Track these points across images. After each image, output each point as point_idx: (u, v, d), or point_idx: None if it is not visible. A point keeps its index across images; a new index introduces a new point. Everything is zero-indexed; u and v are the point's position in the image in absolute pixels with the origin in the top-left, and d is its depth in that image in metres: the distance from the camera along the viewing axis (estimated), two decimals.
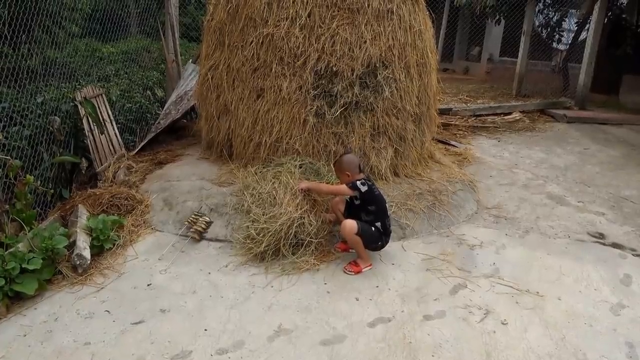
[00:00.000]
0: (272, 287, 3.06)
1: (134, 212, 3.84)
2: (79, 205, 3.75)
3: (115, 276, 3.13)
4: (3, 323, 2.65)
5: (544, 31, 12.02)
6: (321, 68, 4.08)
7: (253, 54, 4.22)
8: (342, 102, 4.12)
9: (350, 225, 3.16)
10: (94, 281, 3.05)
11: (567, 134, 7.64)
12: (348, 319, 2.77)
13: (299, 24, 4.07)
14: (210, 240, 3.61)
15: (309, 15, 4.08)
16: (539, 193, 4.93)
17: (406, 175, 4.50)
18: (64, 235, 3.18)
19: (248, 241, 3.40)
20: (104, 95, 4.92)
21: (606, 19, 9.77)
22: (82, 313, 2.75)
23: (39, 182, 3.68)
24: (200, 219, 3.67)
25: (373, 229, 3.25)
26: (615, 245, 3.86)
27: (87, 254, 3.16)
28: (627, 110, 9.42)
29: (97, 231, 3.35)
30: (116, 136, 4.95)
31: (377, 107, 4.23)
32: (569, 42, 11.52)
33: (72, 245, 3.18)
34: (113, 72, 6.12)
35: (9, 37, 3.84)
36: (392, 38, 4.24)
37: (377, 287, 3.12)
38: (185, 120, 6.10)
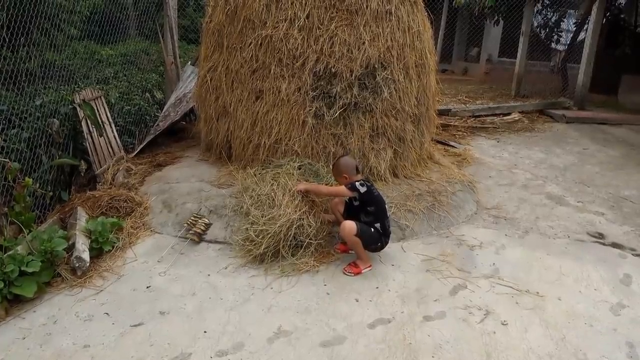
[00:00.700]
0: (271, 288, 3.06)
1: (133, 214, 3.84)
2: (78, 207, 3.74)
3: (115, 278, 3.12)
4: (2, 326, 2.64)
5: (543, 32, 12.05)
6: (320, 69, 4.08)
7: (252, 56, 4.23)
8: (341, 103, 4.12)
9: (350, 226, 3.16)
10: (93, 283, 3.05)
11: (566, 134, 7.64)
12: (348, 320, 2.77)
13: (298, 26, 4.07)
14: (210, 242, 3.60)
15: (307, 17, 4.08)
16: (538, 193, 4.93)
17: (405, 176, 4.50)
18: (63, 237, 3.17)
19: (247, 243, 3.40)
20: (102, 97, 4.92)
21: (605, 19, 9.80)
22: (81, 315, 2.74)
23: (37, 184, 3.67)
24: (200, 220, 3.67)
25: (372, 229, 3.25)
26: (615, 245, 3.85)
27: (86, 256, 3.16)
28: (626, 110, 9.43)
29: (96, 233, 3.34)
30: (115, 138, 4.95)
31: (376, 108, 4.22)
32: (568, 42, 11.54)
33: (71, 248, 3.17)
34: (112, 74, 6.13)
35: (7, 40, 3.84)
36: (391, 39, 4.24)
37: (377, 288, 3.11)
38: (184, 122, 6.09)
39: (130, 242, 3.53)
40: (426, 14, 4.73)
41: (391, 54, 4.25)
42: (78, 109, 4.42)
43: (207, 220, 3.69)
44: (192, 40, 9.18)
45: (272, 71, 4.15)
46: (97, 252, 3.32)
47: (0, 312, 2.69)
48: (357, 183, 3.25)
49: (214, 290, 3.02)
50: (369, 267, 3.30)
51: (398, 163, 4.48)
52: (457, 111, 8.15)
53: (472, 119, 8.04)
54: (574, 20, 11.51)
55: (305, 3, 4.07)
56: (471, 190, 4.68)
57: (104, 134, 4.69)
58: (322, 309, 2.86)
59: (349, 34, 4.10)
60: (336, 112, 4.12)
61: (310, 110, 4.12)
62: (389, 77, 4.24)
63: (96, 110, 4.62)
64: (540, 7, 11.43)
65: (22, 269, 2.83)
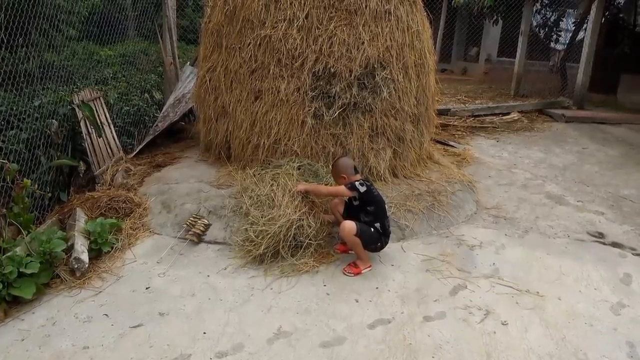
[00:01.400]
0: (271, 289, 3.05)
1: (132, 215, 3.83)
2: (77, 208, 3.74)
3: (114, 279, 3.11)
4: (1, 328, 2.63)
5: (542, 31, 12.04)
6: (319, 69, 4.08)
7: (251, 56, 4.22)
8: (340, 103, 4.11)
9: (350, 226, 3.16)
10: (92, 285, 3.04)
11: (565, 134, 7.64)
12: (348, 320, 2.76)
13: (297, 26, 4.07)
14: (209, 242, 3.59)
15: (306, 17, 4.08)
16: (538, 193, 4.93)
17: (405, 176, 4.49)
18: (62, 238, 3.16)
19: (247, 243, 3.39)
20: (101, 98, 4.91)
21: (604, 19, 9.79)
22: (81, 317, 2.73)
23: (36, 185, 3.66)
24: (199, 221, 3.66)
25: (372, 229, 3.25)
26: (614, 245, 3.85)
27: (85, 257, 3.15)
28: (626, 110, 9.43)
29: (95, 234, 3.34)
30: (114, 139, 4.94)
31: (376, 108, 4.22)
32: (567, 41, 11.54)
33: (70, 249, 3.17)
34: (111, 75, 6.12)
35: (5, 41, 3.83)
36: (390, 39, 4.23)
37: (377, 288, 3.11)
38: (183, 123, 6.09)
39: (130, 243, 3.52)
40: (425, 13, 4.73)
41: (390, 53, 4.24)
42: (77, 109, 4.41)
43: (206, 220, 3.69)
44: (191, 41, 9.18)
45: (271, 71, 4.15)
46: (96, 253, 3.31)
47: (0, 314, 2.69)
48: (356, 183, 3.24)
49: (213, 291, 3.01)
50: (369, 267, 3.30)
51: (397, 163, 4.48)
52: (456, 111, 8.15)
53: (471, 119, 8.04)
54: (573, 20, 11.52)
55: (304, 3, 4.06)
56: (471, 190, 4.67)
57: (103, 135, 4.68)
58: (322, 310, 2.86)
59: (348, 34, 4.10)
60: (335, 112, 4.12)
61: (309, 110, 4.12)
62: (388, 76, 4.23)
63: (95, 111, 4.60)
64: (539, 7, 11.43)
65: (21, 270, 2.82)
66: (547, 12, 11.78)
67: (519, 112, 8.55)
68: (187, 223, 3.67)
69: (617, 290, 3.18)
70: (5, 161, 3.41)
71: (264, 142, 4.23)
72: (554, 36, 11.92)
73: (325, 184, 3.81)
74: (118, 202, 3.90)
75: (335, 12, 4.11)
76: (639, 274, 3.39)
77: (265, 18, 4.13)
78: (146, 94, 6.36)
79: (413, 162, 4.64)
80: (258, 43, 4.17)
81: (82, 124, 4.42)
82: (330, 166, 3.69)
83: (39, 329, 2.62)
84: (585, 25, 9.77)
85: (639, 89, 9.49)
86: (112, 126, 4.96)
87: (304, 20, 4.07)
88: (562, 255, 3.63)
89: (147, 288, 3.03)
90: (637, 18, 11.21)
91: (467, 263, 3.46)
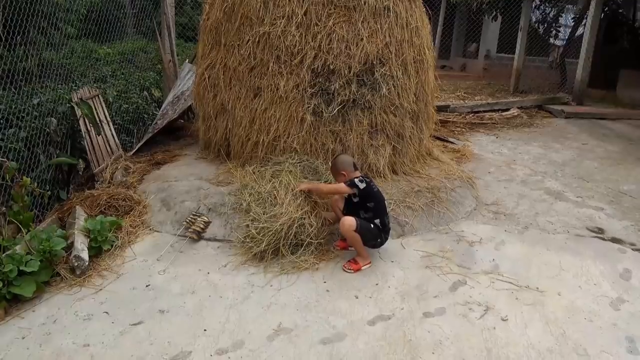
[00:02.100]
0: (271, 286, 3.05)
1: (131, 213, 3.83)
2: (77, 206, 3.74)
3: (114, 277, 3.11)
4: (1, 326, 2.63)
5: (541, 27, 12.03)
6: (318, 66, 4.07)
7: (250, 53, 4.21)
8: (339, 100, 4.11)
9: (350, 222, 3.16)
10: (93, 283, 3.04)
11: (565, 130, 7.64)
12: (348, 317, 2.77)
13: (296, 22, 4.06)
14: (209, 240, 3.59)
15: (305, 13, 4.07)
16: (537, 189, 4.93)
17: (404, 173, 4.49)
18: (62, 237, 3.16)
19: (248, 240, 3.39)
20: (100, 96, 4.91)
21: (603, 14, 9.78)
22: (81, 315, 2.73)
23: (35, 184, 3.66)
24: (199, 219, 3.66)
25: (372, 226, 3.25)
26: (614, 240, 3.85)
27: (85, 255, 3.15)
28: (625, 105, 9.42)
29: (95, 232, 3.33)
30: (113, 137, 4.93)
31: (375, 104, 4.21)
32: (566, 37, 11.53)
33: (70, 247, 3.17)
34: (110, 73, 6.11)
35: (4, 39, 3.83)
36: (389, 35, 4.22)
37: (377, 284, 3.11)
38: (182, 121, 6.08)
39: (129, 241, 3.52)
40: (424, 9, 4.72)
41: (389, 50, 4.24)
42: (76, 107, 4.41)
43: (206, 218, 3.69)
44: (190, 38, 9.17)
45: (270, 68, 4.14)
46: (96, 251, 3.31)
47: (0, 312, 2.69)
48: (356, 179, 3.24)
49: (213, 289, 3.01)
50: (369, 263, 3.30)
51: (397, 160, 4.48)
52: (455, 107, 8.15)
53: (470, 115, 8.04)
54: (572, 15, 11.51)
55: (303, 0, 4.05)
56: (470, 186, 4.67)
57: (102, 133, 4.67)
58: (322, 306, 2.86)
59: (347, 31, 4.09)
60: (335, 109, 4.11)
61: (308, 107, 4.11)
62: (388, 73, 4.23)
63: (94, 109, 4.60)
64: (538, 2, 11.41)
65: (21, 268, 2.82)
66: (546, 8, 11.77)
67: (518, 108, 8.56)
68: (187, 220, 3.67)
69: (617, 286, 3.18)
70: (5, 159, 3.41)
71: (263, 139, 4.22)
72: (553, 32, 11.91)
73: (326, 182, 3.81)
74: (117, 200, 3.90)
75: (334, 9, 4.10)
76: (638, 269, 3.39)
77: (264, 15, 4.12)
78: (145, 92, 6.35)
79: (412, 159, 4.64)
80: (257, 40, 4.16)
81: (81, 122, 4.41)
82: (330, 163, 3.69)
83: (40, 327, 2.62)
84: (584, 21, 9.77)
85: (639, 84, 9.48)
86: (111, 124, 4.96)
87: (302, 17, 4.06)
88: (562, 251, 3.63)
89: (147, 286, 3.03)
90: (637, 13, 11.20)
91: (466, 259, 3.46)
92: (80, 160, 4.41)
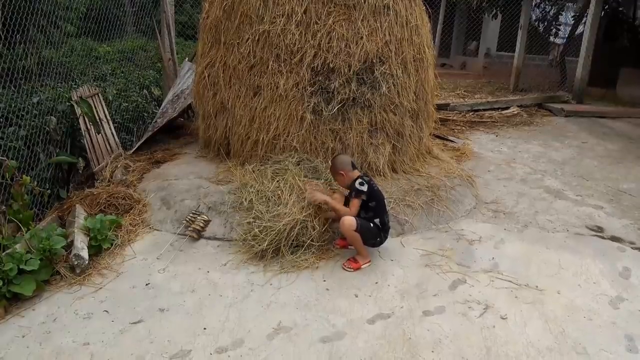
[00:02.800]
0: (271, 285, 3.05)
1: (131, 211, 3.83)
2: (77, 205, 3.74)
3: (114, 276, 3.12)
4: (1, 325, 2.63)
5: (541, 25, 12.02)
6: (318, 65, 4.07)
7: (249, 52, 4.21)
8: (339, 98, 4.11)
9: (350, 221, 3.16)
10: (93, 281, 3.04)
11: (565, 128, 7.64)
12: (347, 315, 2.77)
13: (295, 21, 4.05)
14: (209, 238, 3.60)
15: (304, 12, 4.06)
16: (537, 187, 4.93)
17: (404, 171, 4.49)
18: (62, 235, 3.16)
19: (250, 238, 3.38)
20: (100, 94, 4.90)
21: (603, 12, 9.77)
22: (81, 313, 2.74)
23: (35, 182, 3.66)
24: (199, 217, 3.66)
25: (372, 225, 3.25)
26: (614, 239, 3.86)
27: (85, 254, 3.15)
28: (625, 104, 9.42)
29: (95, 231, 3.33)
30: (113, 136, 4.93)
31: (375, 103, 4.21)
32: (566, 35, 11.52)
33: (70, 246, 3.17)
34: (109, 71, 6.11)
35: (3, 37, 3.82)
36: (389, 34, 4.22)
37: (377, 283, 3.11)
38: (182, 119, 6.08)
39: (129, 240, 3.52)
40: (424, 7, 4.72)
41: (389, 48, 4.23)
42: (75, 106, 4.41)
43: (206, 217, 3.69)
44: (190, 37, 9.16)
45: (269, 67, 4.14)
46: (96, 250, 3.31)
47: (0, 311, 2.69)
48: (357, 184, 3.22)
49: (213, 287, 3.02)
50: (368, 262, 3.30)
51: (397, 158, 4.47)
52: (455, 106, 8.15)
53: (470, 114, 8.03)
54: (572, 14, 11.49)
55: None
56: (470, 184, 4.67)
57: (102, 132, 4.67)
58: (321, 305, 2.86)
59: (346, 29, 4.08)
60: (334, 108, 4.11)
61: (308, 105, 4.11)
62: (387, 72, 4.23)
63: (94, 108, 4.60)
64: (538, 1, 11.40)
65: (21, 267, 2.82)
66: (547, 6, 11.75)
67: (518, 106, 8.55)
68: (187, 219, 3.67)
69: (616, 284, 3.19)
70: (4, 158, 3.41)
71: (263, 138, 4.22)
72: (553, 30, 11.89)
73: (326, 181, 3.81)
74: (117, 199, 3.90)
75: (334, 7, 4.10)
76: (638, 268, 3.40)
77: (264, 13, 4.11)
78: (145, 91, 6.35)
79: (412, 157, 4.64)
80: (256, 38, 4.16)
81: (80, 120, 4.41)
82: (330, 162, 3.68)
83: (40, 326, 2.62)
84: (584, 19, 9.75)
85: (639, 82, 9.47)
86: (110, 123, 4.96)
87: (302, 15, 4.06)
88: (561, 250, 3.63)
89: (147, 284, 3.04)
90: (637, 12, 11.18)
91: (466, 258, 3.46)
92: (80, 158, 4.41)
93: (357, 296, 2.96)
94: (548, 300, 2.97)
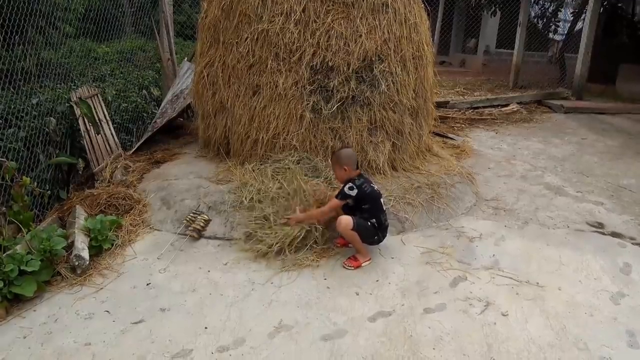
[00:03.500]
0: (271, 283, 3.06)
1: (132, 211, 3.83)
2: (77, 206, 3.74)
3: (115, 276, 3.12)
4: (2, 325, 2.64)
5: (540, 22, 12.02)
6: (317, 63, 4.07)
7: (248, 51, 4.21)
8: (338, 97, 4.11)
9: (346, 221, 3.15)
10: (93, 282, 3.04)
11: (564, 125, 7.63)
12: (348, 313, 2.77)
13: (294, 19, 4.05)
14: (209, 238, 3.60)
15: (303, 10, 4.06)
16: (537, 184, 4.93)
17: (404, 169, 4.49)
18: (62, 236, 3.17)
19: (260, 235, 3.39)
20: (99, 95, 4.90)
21: (602, 9, 9.76)
22: (82, 314, 2.74)
23: (35, 183, 3.67)
24: (199, 217, 3.66)
25: (369, 223, 3.24)
26: (614, 235, 3.85)
27: (85, 254, 3.15)
28: (624, 100, 9.41)
29: (95, 232, 3.34)
30: (112, 136, 4.93)
31: (374, 101, 4.21)
32: (565, 32, 11.51)
33: (70, 246, 3.17)
34: (108, 72, 6.10)
35: (1, 38, 3.82)
36: (388, 31, 4.22)
37: (377, 281, 3.11)
38: (181, 119, 6.08)
39: (130, 240, 3.52)
40: (423, 5, 4.71)
41: (388, 46, 4.23)
42: (75, 107, 4.41)
43: (206, 216, 3.69)
44: (189, 37, 9.16)
45: (268, 66, 4.14)
46: (96, 250, 3.32)
47: (1, 312, 2.69)
48: (346, 189, 3.20)
49: (214, 286, 3.02)
50: (369, 260, 3.30)
51: (396, 156, 4.47)
52: (455, 103, 8.14)
53: (470, 111, 8.03)
54: (571, 10, 11.49)
55: None
56: (470, 182, 4.67)
57: (101, 132, 4.67)
58: (322, 303, 2.86)
59: (345, 27, 4.08)
60: (334, 106, 4.11)
61: (307, 104, 4.11)
62: (387, 70, 4.22)
63: (93, 108, 4.60)
64: None
65: (22, 268, 2.83)
66: (546, 3, 11.75)
67: (517, 103, 8.55)
68: (187, 219, 3.67)
69: (617, 280, 3.19)
70: (4, 159, 3.41)
71: (262, 137, 4.22)
72: (553, 27, 11.90)
73: (326, 179, 3.81)
74: (117, 199, 3.90)
75: (333, 5, 4.09)
76: (638, 264, 3.40)
77: (262, 12, 4.11)
78: (144, 91, 6.34)
79: (412, 155, 4.63)
80: (255, 37, 4.16)
81: (80, 121, 4.42)
82: (332, 154, 3.64)
83: (41, 327, 2.63)
84: (583, 16, 9.74)
85: (638, 78, 9.47)
86: (110, 123, 4.96)
87: (301, 13, 4.05)
88: (562, 246, 3.63)
89: (147, 284, 3.04)
90: (636, 8, 11.17)
91: (467, 255, 3.46)
92: (79, 159, 4.41)
93: (358, 294, 2.96)
94: (549, 297, 2.97)
